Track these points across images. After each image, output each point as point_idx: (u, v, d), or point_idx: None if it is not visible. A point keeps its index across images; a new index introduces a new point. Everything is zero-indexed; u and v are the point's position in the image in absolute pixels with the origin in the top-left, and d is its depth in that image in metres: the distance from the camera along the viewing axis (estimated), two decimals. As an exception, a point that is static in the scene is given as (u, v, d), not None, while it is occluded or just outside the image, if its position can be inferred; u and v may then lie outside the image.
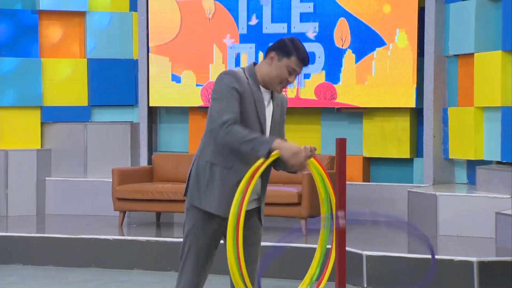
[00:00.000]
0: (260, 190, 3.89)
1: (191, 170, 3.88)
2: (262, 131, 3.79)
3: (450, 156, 8.34)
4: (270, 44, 3.89)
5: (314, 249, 6.71)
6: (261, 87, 3.83)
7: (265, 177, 3.88)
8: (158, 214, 8.54)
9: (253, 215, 3.89)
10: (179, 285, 3.86)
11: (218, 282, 4.97)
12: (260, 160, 3.60)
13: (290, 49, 3.76)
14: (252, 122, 3.75)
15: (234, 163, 3.74)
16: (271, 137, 3.70)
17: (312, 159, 3.68)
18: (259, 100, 3.78)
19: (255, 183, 3.65)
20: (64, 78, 9.37)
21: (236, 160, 3.73)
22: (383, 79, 8.54)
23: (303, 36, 8.73)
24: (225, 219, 3.73)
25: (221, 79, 3.76)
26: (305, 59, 3.77)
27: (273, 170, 3.87)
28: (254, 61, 3.97)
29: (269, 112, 3.86)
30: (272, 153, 3.60)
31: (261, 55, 8.89)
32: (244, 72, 3.82)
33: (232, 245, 3.55)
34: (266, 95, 3.85)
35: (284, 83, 3.79)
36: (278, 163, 3.77)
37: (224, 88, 3.72)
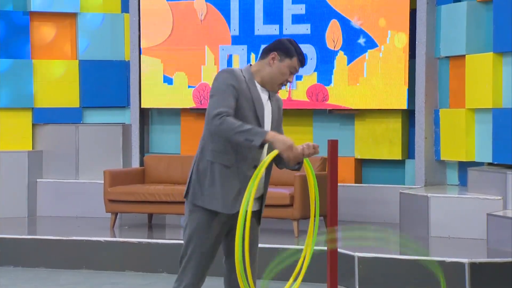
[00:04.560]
0: (263, 189, 3.92)
1: (191, 171, 3.91)
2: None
3: (442, 158, 8.35)
4: (267, 45, 3.95)
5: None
6: (258, 86, 3.89)
7: (267, 177, 3.92)
8: (150, 216, 8.53)
9: (252, 216, 3.92)
10: (180, 286, 3.87)
11: (213, 285, 4.96)
12: (264, 161, 3.64)
13: (291, 50, 3.86)
14: (250, 119, 3.80)
15: (233, 162, 3.79)
16: (265, 129, 3.75)
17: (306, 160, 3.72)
18: (257, 98, 3.85)
19: (259, 182, 3.71)
20: (55, 79, 9.35)
21: (235, 159, 3.79)
22: (375, 81, 8.55)
23: (295, 37, 8.74)
24: (229, 218, 3.81)
25: (218, 76, 3.83)
26: (304, 60, 3.91)
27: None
28: (249, 63, 4.00)
29: (268, 111, 3.92)
30: (273, 152, 3.63)
31: (253, 56, 8.90)
32: (241, 71, 3.88)
33: (239, 245, 3.55)
34: (264, 95, 3.91)
35: (285, 83, 3.89)
36: (281, 161, 3.84)
37: (220, 85, 3.78)
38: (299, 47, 3.90)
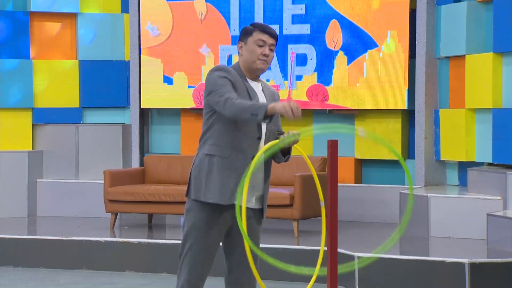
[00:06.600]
0: (263, 187, 3.93)
1: (191, 169, 3.94)
2: None
3: (442, 158, 8.35)
4: None
5: (306, 250, 6.73)
6: (249, 80, 3.94)
7: (266, 173, 3.93)
8: (150, 216, 8.53)
9: (253, 215, 3.94)
10: (178, 284, 3.89)
11: (213, 284, 4.96)
12: (260, 152, 3.67)
13: (249, 29, 3.95)
14: None
15: (231, 153, 3.82)
16: (265, 103, 3.79)
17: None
18: (251, 89, 3.90)
19: (257, 180, 3.82)
20: (55, 79, 9.35)
21: (233, 150, 3.83)
22: (374, 81, 8.55)
23: (295, 38, 8.74)
24: (227, 216, 3.83)
25: (210, 75, 3.89)
26: (266, 28, 3.93)
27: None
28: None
29: (262, 101, 3.94)
30: (272, 141, 3.71)
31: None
32: (232, 67, 3.95)
33: (246, 235, 3.55)
34: (256, 88, 3.95)
35: (261, 57, 3.90)
36: (276, 155, 3.91)
37: (216, 81, 3.84)
38: (257, 23, 3.99)
